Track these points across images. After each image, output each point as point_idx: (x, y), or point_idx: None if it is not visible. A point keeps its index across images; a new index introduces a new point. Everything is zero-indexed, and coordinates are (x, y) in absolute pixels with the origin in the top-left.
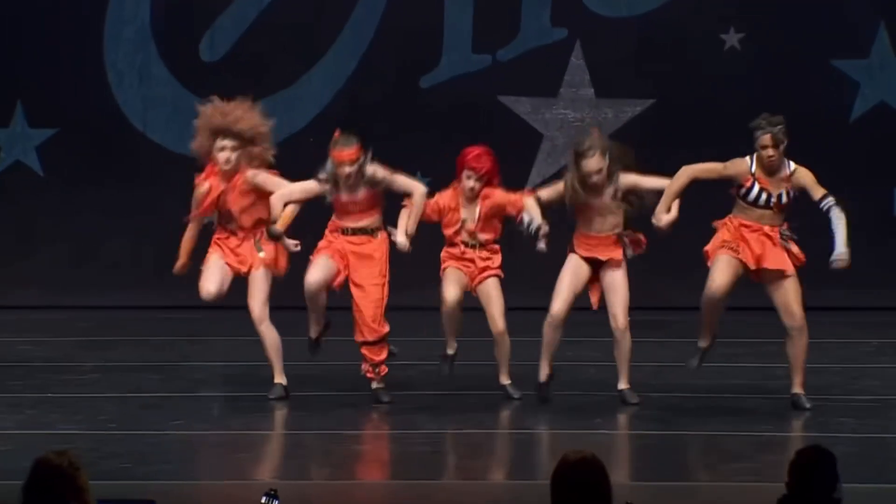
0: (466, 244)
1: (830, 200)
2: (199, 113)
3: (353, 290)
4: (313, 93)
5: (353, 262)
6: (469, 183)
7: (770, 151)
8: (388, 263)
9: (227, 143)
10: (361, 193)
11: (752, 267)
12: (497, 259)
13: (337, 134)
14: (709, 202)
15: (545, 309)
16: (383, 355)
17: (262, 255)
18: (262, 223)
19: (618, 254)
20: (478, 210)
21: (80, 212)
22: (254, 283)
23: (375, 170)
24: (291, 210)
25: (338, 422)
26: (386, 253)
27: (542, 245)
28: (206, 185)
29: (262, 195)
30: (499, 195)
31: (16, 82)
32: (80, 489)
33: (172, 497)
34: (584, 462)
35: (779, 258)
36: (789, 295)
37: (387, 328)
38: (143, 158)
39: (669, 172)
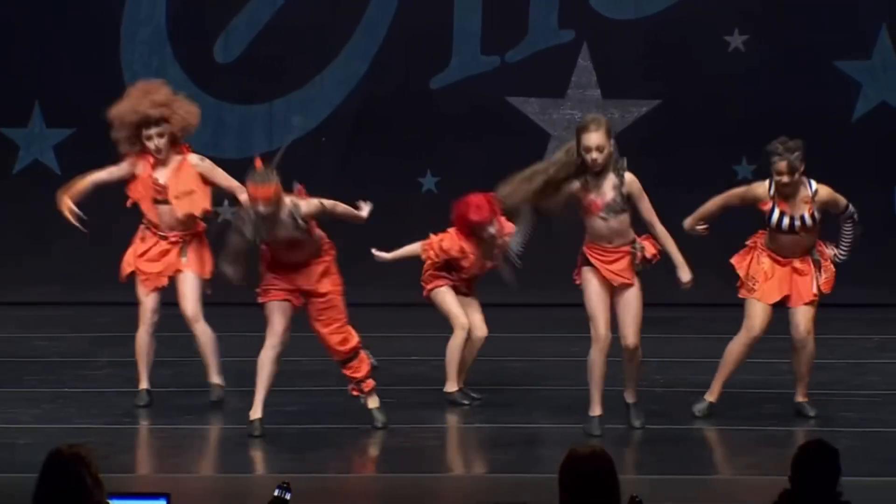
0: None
1: (852, 210)
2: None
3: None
4: (326, 93)
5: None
6: (488, 232)
7: (785, 178)
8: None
9: (154, 130)
10: (289, 233)
11: (773, 301)
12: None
13: (257, 163)
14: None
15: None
16: (364, 370)
17: (184, 260)
18: (193, 219)
19: (630, 276)
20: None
21: (96, 210)
22: (184, 284)
23: (304, 206)
24: None
25: (348, 416)
26: (333, 262)
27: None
28: (138, 167)
29: (201, 185)
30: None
31: (34, 83)
32: (92, 481)
33: (186, 490)
34: (593, 456)
35: (802, 294)
36: (804, 316)
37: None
38: None
39: (676, 171)
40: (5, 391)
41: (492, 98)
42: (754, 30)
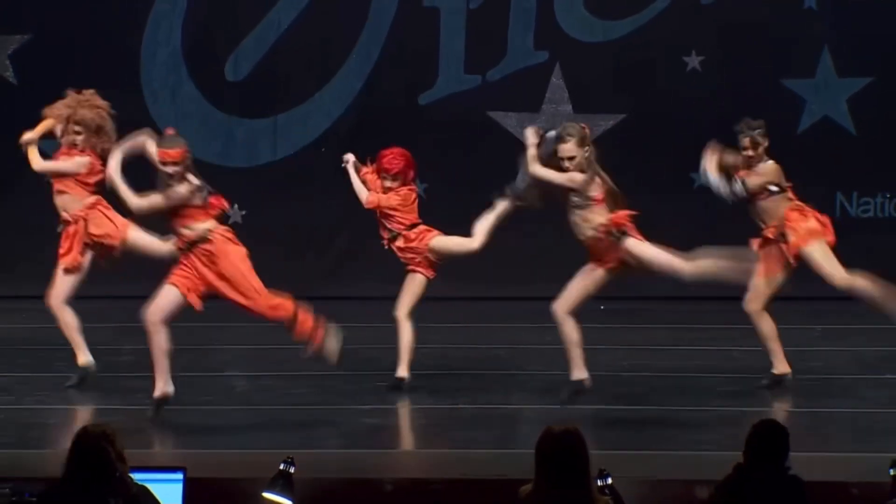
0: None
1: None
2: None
3: (228, 293)
4: (325, 108)
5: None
6: (385, 184)
7: (749, 152)
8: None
9: (73, 128)
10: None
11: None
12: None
13: (168, 131)
14: (671, 202)
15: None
16: (309, 323)
17: None
18: None
19: (617, 254)
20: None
21: (120, 212)
22: None
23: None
24: None
25: (346, 398)
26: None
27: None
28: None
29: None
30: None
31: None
32: (116, 456)
33: (201, 464)
34: (566, 433)
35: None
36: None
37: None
38: None
39: (639, 179)
40: (37, 376)
41: (474, 112)
42: (709, 51)
